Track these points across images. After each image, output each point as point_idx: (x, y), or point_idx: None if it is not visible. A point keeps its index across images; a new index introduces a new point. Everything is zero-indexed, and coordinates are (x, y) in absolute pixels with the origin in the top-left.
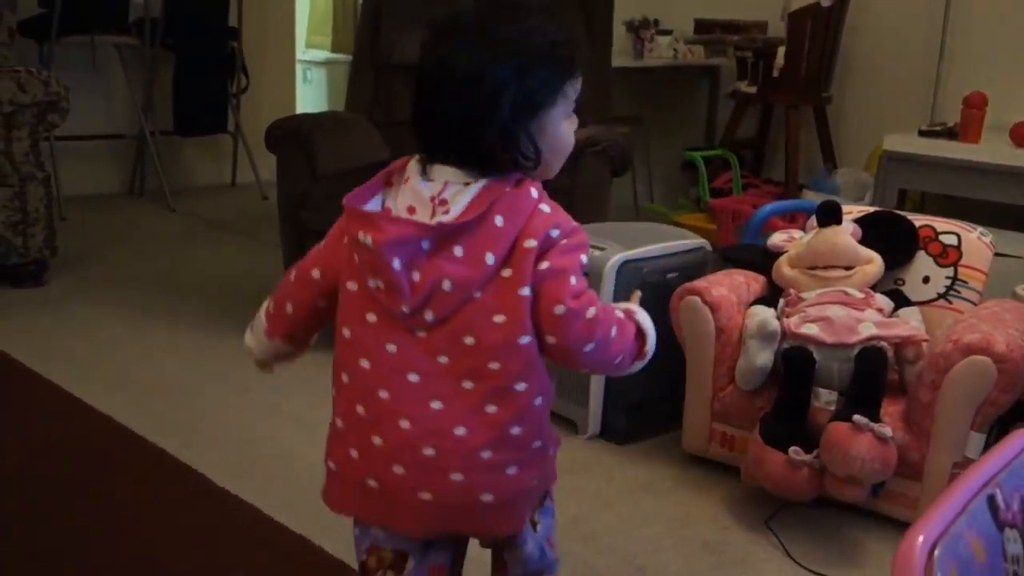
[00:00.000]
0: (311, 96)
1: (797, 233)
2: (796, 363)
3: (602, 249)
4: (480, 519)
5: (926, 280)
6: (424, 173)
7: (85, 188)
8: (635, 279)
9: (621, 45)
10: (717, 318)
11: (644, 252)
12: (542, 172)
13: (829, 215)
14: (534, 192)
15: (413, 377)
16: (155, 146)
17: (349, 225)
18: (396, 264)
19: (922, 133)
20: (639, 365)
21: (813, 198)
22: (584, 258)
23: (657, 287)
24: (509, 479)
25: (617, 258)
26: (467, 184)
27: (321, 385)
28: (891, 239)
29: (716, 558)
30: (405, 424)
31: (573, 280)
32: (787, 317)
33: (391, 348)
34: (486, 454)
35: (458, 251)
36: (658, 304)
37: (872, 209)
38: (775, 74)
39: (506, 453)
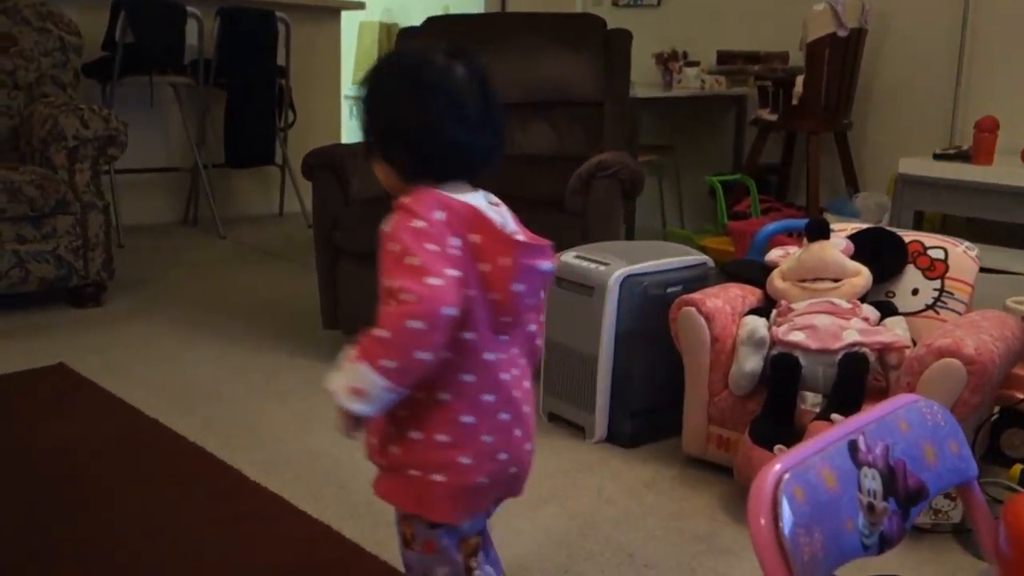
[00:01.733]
0: (354, 131)
1: (793, 249)
2: (783, 368)
3: (606, 264)
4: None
5: (915, 292)
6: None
7: (142, 218)
8: (637, 292)
9: (652, 77)
10: (712, 327)
11: (646, 267)
12: None
13: (817, 231)
14: None
15: (515, 370)
16: (207, 178)
17: (510, 242)
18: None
19: (937, 156)
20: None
21: (834, 221)
22: None
23: (659, 300)
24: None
25: (619, 272)
26: (497, 205)
27: None
28: (881, 253)
29: (704, 546)
30: (527, 408)
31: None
32: (777, 326)
33: (502, 355)
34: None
35: None
36: (660, 316)
37: (865, 226)
38: (795, 102)
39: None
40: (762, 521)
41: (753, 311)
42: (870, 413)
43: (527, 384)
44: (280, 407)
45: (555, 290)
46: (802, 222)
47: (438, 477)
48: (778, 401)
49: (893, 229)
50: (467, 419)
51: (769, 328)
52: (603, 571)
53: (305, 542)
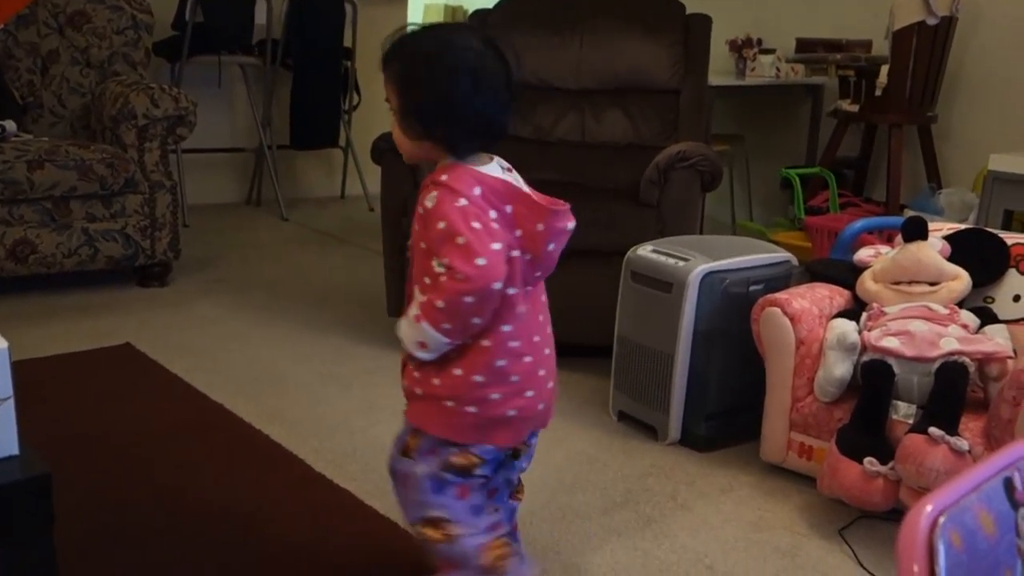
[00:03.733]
0: None
1: (884, 249)
2: (875, 375)
3: (686, 260)
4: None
5: (1017, 299)
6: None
7: (207, 197)
8: (718, 290)
9: (724, 64)
10: (797, 329)
11: (728, 264)
12: None
13: (915, 231)
14: None
15: (540, 317)
16: (272, 159)
17: (539, 208)
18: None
19: None
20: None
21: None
22: None
23: (740, 299)
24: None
25: (700, 269)
26: (509, 169)
27: None
28: (981, 257)
29: (787, 562)
30: (548, 351)
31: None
32: (868, 331)
33: (525, 307)
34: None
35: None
36: (741, 315)
37: (963, 226)
38: (878, 93)
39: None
40: (915, 569)
41: (842, 314)
42: (1022, 444)
43: (549, 329)
44: (344, 395)
45: (630, 285)
46: (891, 220)
47: (471, 409)
48: (869, 410)
49: (993, 230)
50: (500, 363)
51: (860, 332)
52: None
53: (375, 539)
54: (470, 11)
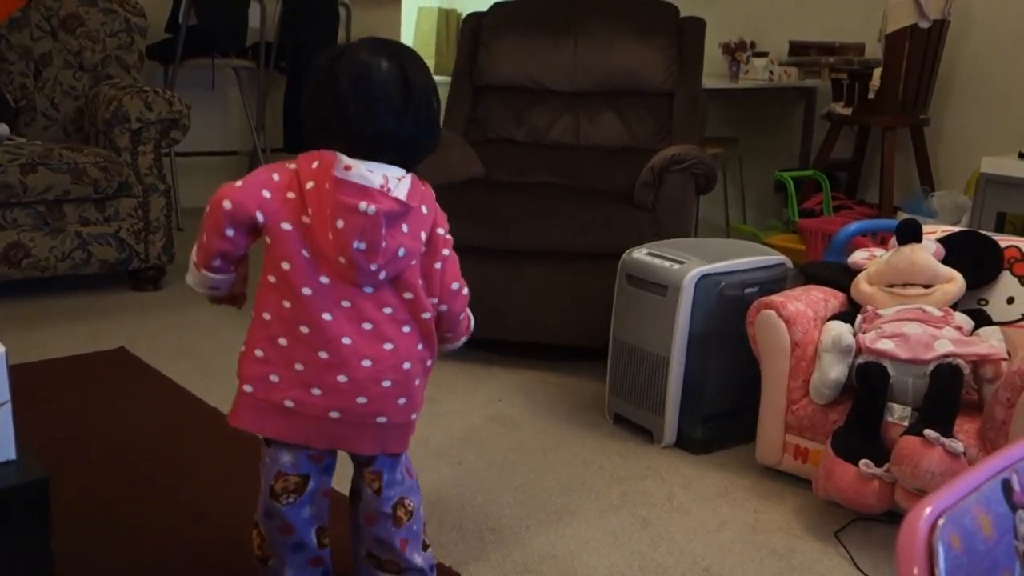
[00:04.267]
0: None
1: (879, 251)
2: (870, 378)
3: (681, 263)
4: (404, 436)
5: (1010, 301)
6: (367, 167)
7: (201, 201)
8: (713, 293)
9: (717, 67)
10: (792, 332)
11: (723, 267)
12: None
13: (909, 233)
14: (431, 190)
15: (367, 326)
16: (266, 162)
17: (341, 193)
18: (383, 230)
19: (1022, 155)
20: (461, 342)
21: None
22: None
23: (735, 301)
24: (421, 401)
25: (695, 271)
26: (400, 179)
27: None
28: (975, 259)
29: (783, 564)
30: (367, 363)
31: (457, 267)
32: (863, 333)
33: (346, 304)
34: (417, 382)
35: (405, 228)
36: (736, 318)
37: (956, 229)
38: (871, 96)
39: (423, 382)
40: (915, 571)
41: (837, 316)
42: (1019, 446)
43: (381, 348)
44: None
45: (625, 287)
46: (885, 222)
47: (248, 388)
48: (864, 412)
49: (986, 233)
50: (282, 341)
51: (855, 335)
52: None
53: None
54: (464, 14)
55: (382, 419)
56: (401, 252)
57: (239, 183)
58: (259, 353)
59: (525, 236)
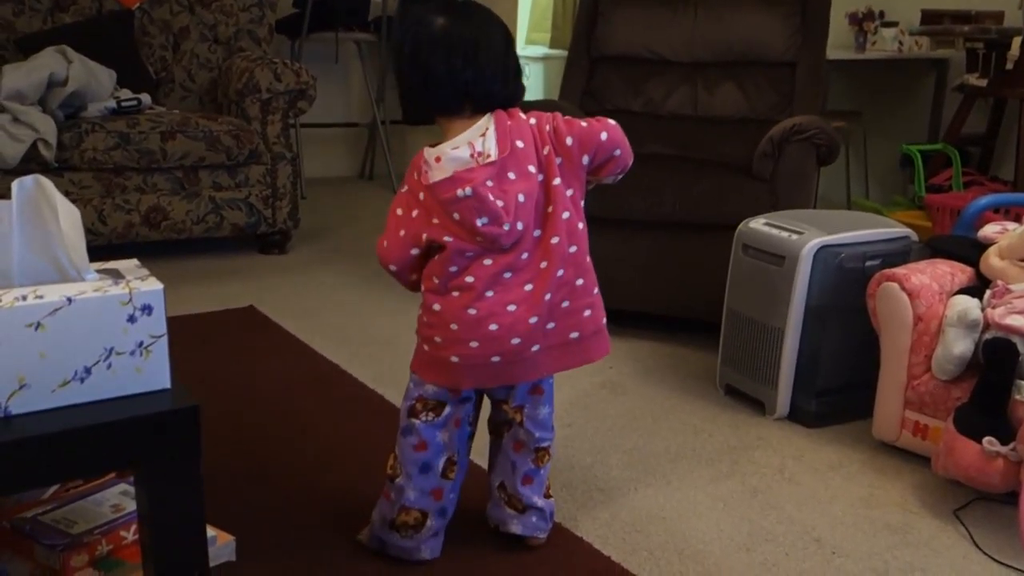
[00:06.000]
0: (529, 90)
1: (1011, 225)
2: (998, 354)
3: (800, 233)
4: (570, 355)
5: None
6: (451, 147)
7: (322, 171)
8: (832, 264)
9: (843, 38)
10: (915, 305)
11: (843, 238)
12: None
13: None
14: (521, 115)
15: (507, 275)
16: (385, 134)
17: (441, 193)
18: (491, 196)
19: None
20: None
21: None
22: (562, 116)
23: (855, 274)
24: (586, 320)
25: (815, 242)
26: (484, 134)
27: None
28: None
29: (898, 538)
30: (512, 308)
31: (584, 124)
32: (992, 308)
33: (487, 262)
34: (565, 304)
35: (511, 175)
36: (855, 290)
37: None
38: (1009, 66)
39: (576, 299)
40: None
41: (964, 290)
42: None
43: (527, 287)
44: None
45: (741, 257)
46: (1018, 196)
47: (426, 347)
48: (990, 389)
49: None
50: (436, 307)
51: (983, 310)
52: (788, 554)
53: (478, 495)
54: None
55: (535, 348)
56: (520, 198)
57: (386, 243)
58: (426, 319)
59: (640, 207)
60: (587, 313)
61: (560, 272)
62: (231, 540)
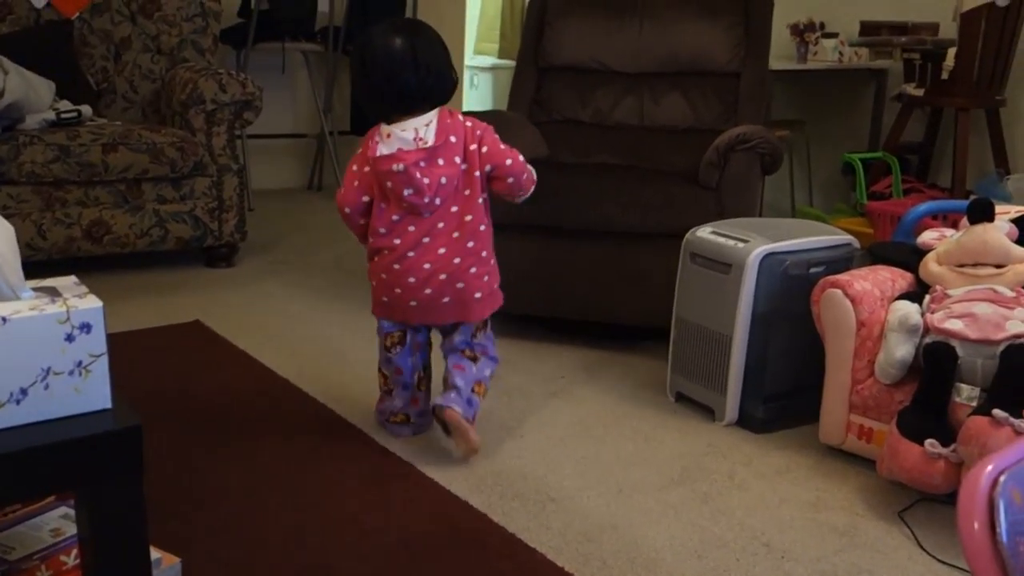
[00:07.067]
0: (477, 100)
1: (949, 231)
2: (938, 357)
3: (745, 241)
4: (471, 310)
5: None
6: (400, 128)
7: (270, 183)
8: (777, 271)
9: (784, 49)
10: (858, 311)
11: (788, 245)
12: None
13: (981, 212)
14: (460, 117)
15: (425, 239)
16: (333, 145)
17: (379, 166)
18: (418, 174)
19: None
20: (532, 189)
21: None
22: (493, 132)
23: (800, 281)
24: (485, 283)
25: (760, 250)
26: (428, 124)
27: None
28: None
29: (845, 541)
30: (427, 266)
31: (503, 147)
32: (931, 313)
33: (411, 228)
34: (473, 270)
35: (440, 161)
36: (800, 297)
37: None
38: (945, 76)
39: (481, 267)
40: (975, 525)
41: (904, 296)
42: None
43: (441, 251)
44: None
45: (688, 266)
46: (956, 203)
47: (373, 285)
48: (931, 392)
49: None
50: (376, 259)
51: (922, 315)
52: (738, 559)
53: (432, 508)
54: None
55: (446, 299)
56: (443, 180)
57: (343, 191)
58: (370, 267)
59: (588, 216)
60: (486, 278)
61: (470, 244)
62: (177, 562)
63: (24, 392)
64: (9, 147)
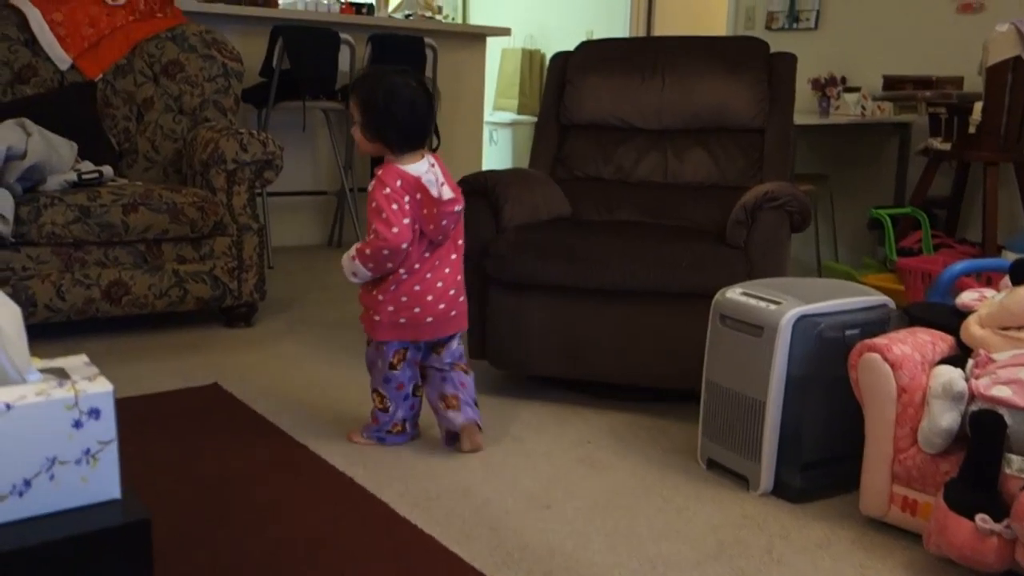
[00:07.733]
0: (496, 156)
1: (989, 292)
2: (986, 427)
3: (778, 303)
4: (464, 319)
5: None
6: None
7: (290, 240)
8: (812, 335)
9: (807, 103)
10: (898, 376)
11: (822, 307)
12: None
13: (1023, 274)
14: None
15: (437, 262)
16: (353, 202)
17: (444, 208)
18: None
19: None
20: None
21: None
22: None
23: (835, 343)
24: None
25: (793, 312)
26: (432, 165)
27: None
28: None
29: None
30: (440, 284)
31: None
32: (976, 378)
33: (427, 254)
34: (461, 282)
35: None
36: (836, 360)
37: None
38: (971, 130)
39: (463, 281)
40: None
41: (946, 360)
42: None
43: (447, 271)
44: (426, 439)
45: (719, 328)
46: (993, 262)
47: (376, 317)
48: (979, 464)
49: None
50: (394, 287)
51: (966, 380)
52: None
53: None
54: (547, 55)
55: (453, 312)
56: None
57: (395, 229)
58: (381, 297)
59: (613, 275)
60: (462, 299)
61: (458, 261)
62: None
63: (28, 483)
64: (30, 208)
